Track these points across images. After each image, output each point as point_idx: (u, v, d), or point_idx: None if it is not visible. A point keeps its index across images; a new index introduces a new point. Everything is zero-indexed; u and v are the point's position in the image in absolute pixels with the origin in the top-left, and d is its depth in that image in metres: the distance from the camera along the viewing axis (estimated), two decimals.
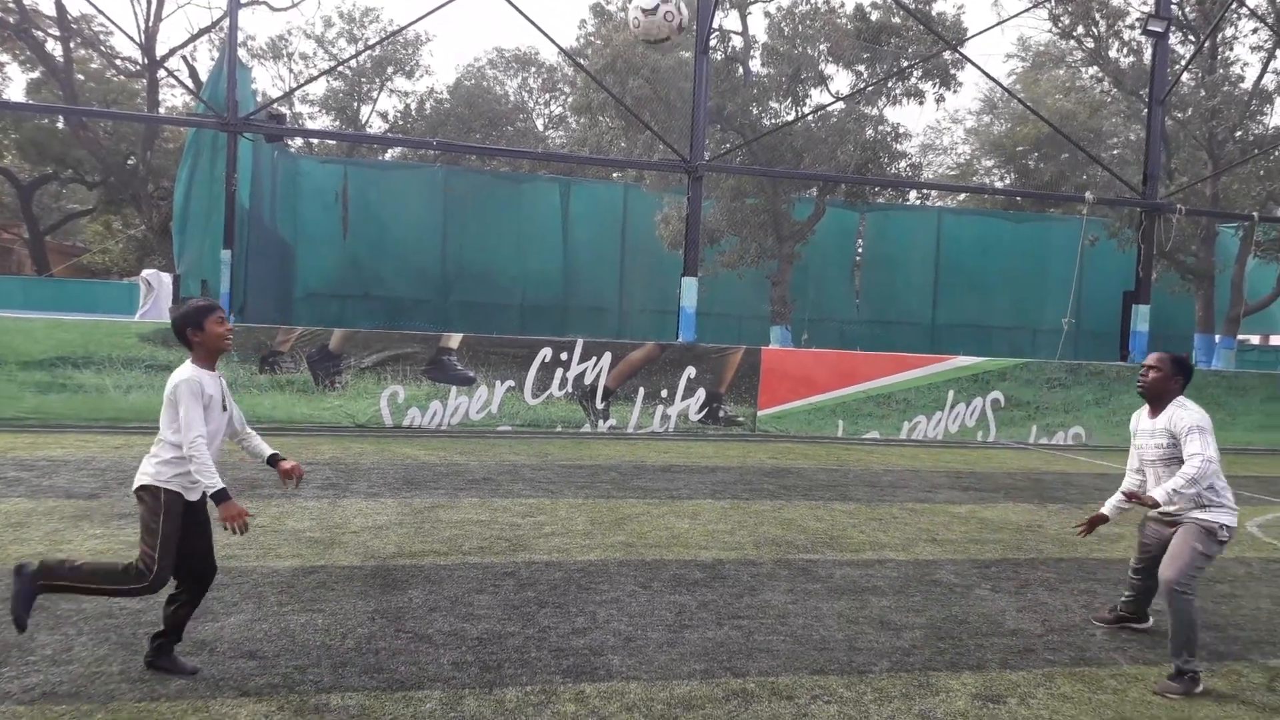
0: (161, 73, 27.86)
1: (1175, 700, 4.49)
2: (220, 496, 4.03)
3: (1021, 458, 13.69)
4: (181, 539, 4.13)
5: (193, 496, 4.17)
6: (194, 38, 28.95)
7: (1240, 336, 30.59)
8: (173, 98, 34.69)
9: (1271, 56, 22.39)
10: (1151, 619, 5.60)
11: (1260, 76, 22.74)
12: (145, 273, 17.60)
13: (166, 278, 16.70)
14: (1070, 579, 6.68)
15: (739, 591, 5.92)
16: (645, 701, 4.12)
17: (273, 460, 4.44)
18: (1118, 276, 22.37)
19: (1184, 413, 4.98)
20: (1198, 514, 4.88)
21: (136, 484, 4.16)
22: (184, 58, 28.95)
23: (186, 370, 4.15)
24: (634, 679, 4.38)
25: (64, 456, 9.74)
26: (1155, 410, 5.17)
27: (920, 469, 11.94)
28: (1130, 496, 5.15)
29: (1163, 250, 19.54)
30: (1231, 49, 23.69)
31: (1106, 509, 5.45)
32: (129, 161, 30.49)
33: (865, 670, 4.63)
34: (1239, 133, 22.27)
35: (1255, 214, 19.48)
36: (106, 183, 32.31)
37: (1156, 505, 4.92)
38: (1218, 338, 23.49)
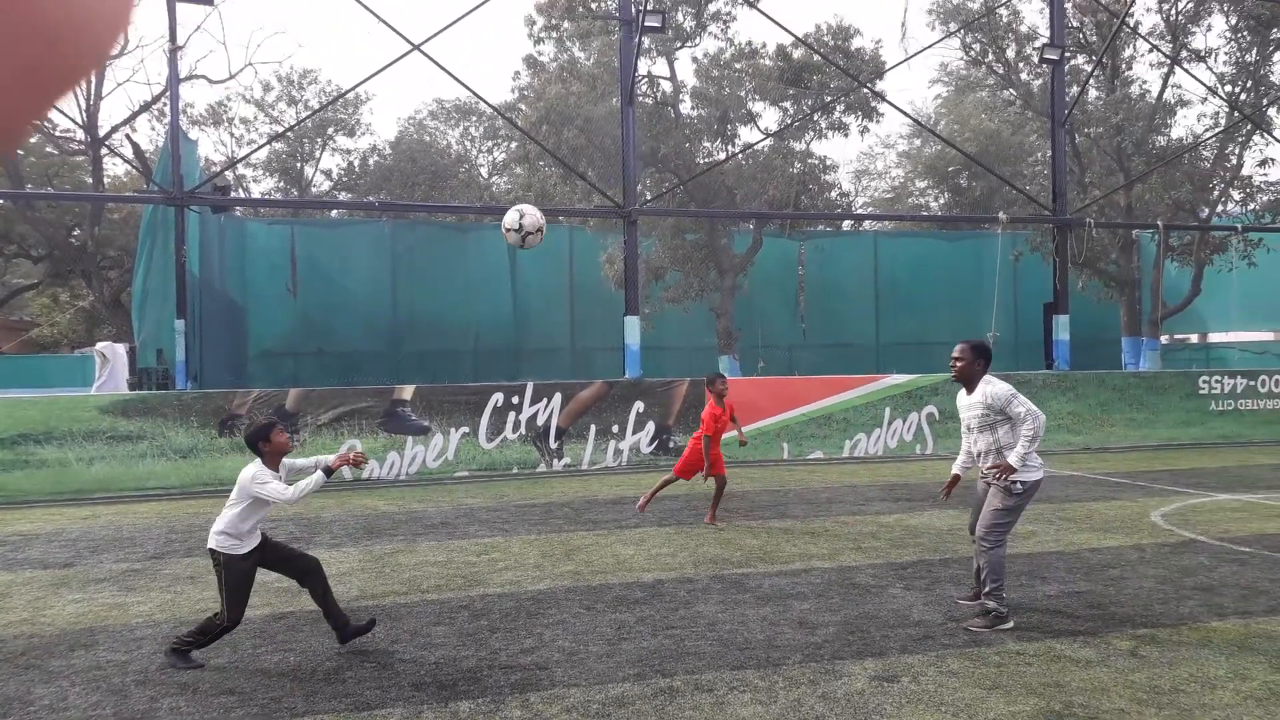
0: (105, 149, 28.17)
1: (978, 632, 5.73)
2: (328, 472, 5.58)
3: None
4: (273, 569, 5.68)
5: (245, 550, 5.45)
6: (135, 114, 29.32)
7: (1178, 336, 32.03)
8: (114, 167, 34.95)
9: (1170, 73, 23.79)
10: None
11: (1161, 92, 24.14)
12: (100, 345, 17.92)
13: (121, 349, 17.05)
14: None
15: (675, 606, 6.52)
16: (583, 704, 4.70)
17: (327, 470, 5.67)
18: (1049, 288, 23.49)
19: (994, 388, 6.04)
20: (1014, 461, 5.91)
21: (209, 545, 5.52)
22: (126, 135, 29.28)
23: (257, 467, 5.49)
24: (574, 686, 4.95)
25: (33, 530, 10.10)
26: (969, 389, 6.26)
27: (858, 484, 12.65)
28: (995, 469, 6.01)
29: (1079, 261, 20.60)
30: (1131, 68, 25.10)
31: (956, 468, 6.50)
32: (74, 234, 30.66)
33: (779, 663, 5.25)
34: (1146, 145, 23.58)
35: (1160, 222, 20.64)
36: (51, 256, 32.39)
37: (1013, 470, 5.87)
38: (1145, 339, 24.67)
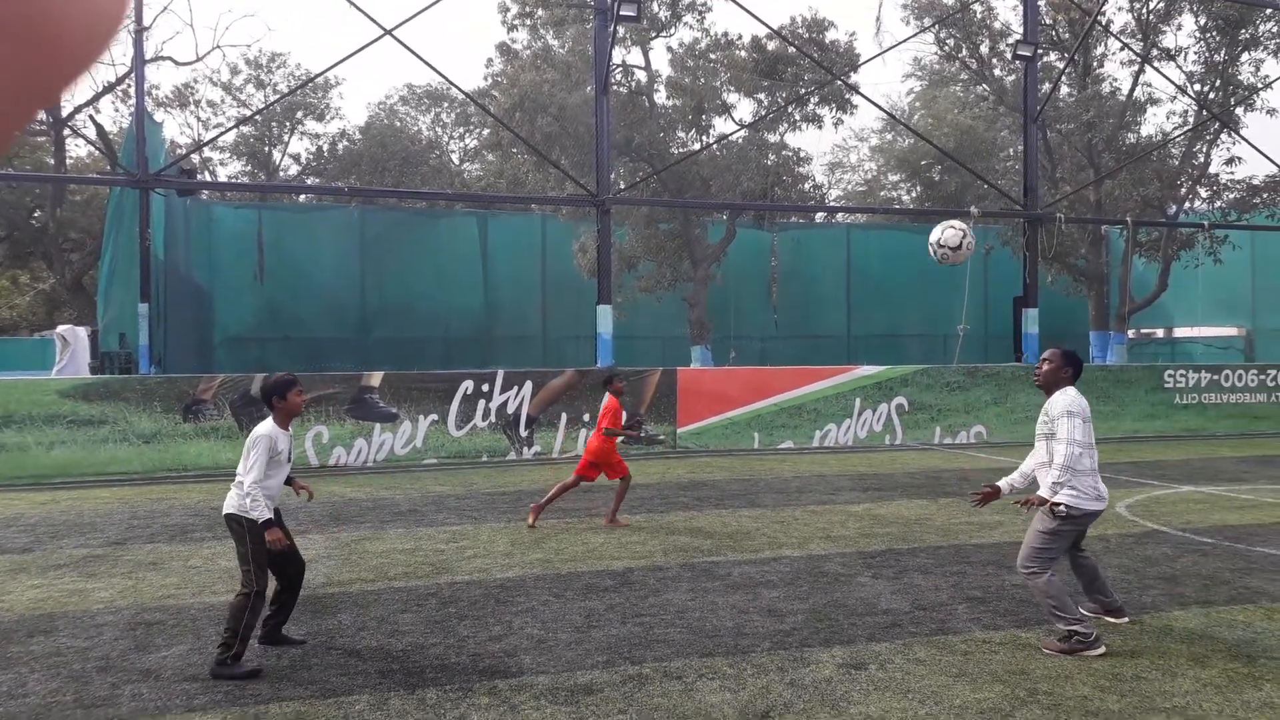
0: (67, 130, 27.64)
1: (1051, 654, 5.13)
2: (265, 525, 5.11)
3: (924, 458, 14.57)
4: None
5: (266, 516, 5.16)
6: (98, 95, 28.76)
7: (1144, 330, 32.47)
8: (77, 148, 34.33)
9: (1141, 71, 24.03)
10: (1128, 616, 5.80)
11: (1131, 90, 24.39)
12: (60, 328, 17.59)
13: (82, 332, 16.75)
14: (945, 563, 7.42)
15: (644, 593, 6.51)
16: (551, 690, 4.67)
17: (289, 481, 5.55)
18: (1019, 281, 23.71)
19: (1065, 398, 5.48)
20: (1044, 491, 5.37)
21: (225, 510, 5.25)
22: (90, 116, 28.74)
23: (267, 427, 5.29)
24: (543, 673, 4.93)
25: None
26: (1049, 396, 5.65)
27: (827, 474, 12.71)
28: (1026, 503, 5.45)
29: (1048, 255, 20.80)
30: (1102, 65, 25.33)
31: (1002, 482, 5.79)
32: (35, 215, 30.08)
33: (748, 651, 5.25)
34: (1116, 142, 23.83)
35: (1129, 218, 20.88)
36: (11, 237, 31.79)
37: (1042, 502, 5.33)
38: (1112, 334, 24.97)
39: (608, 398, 9.48)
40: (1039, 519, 5.39)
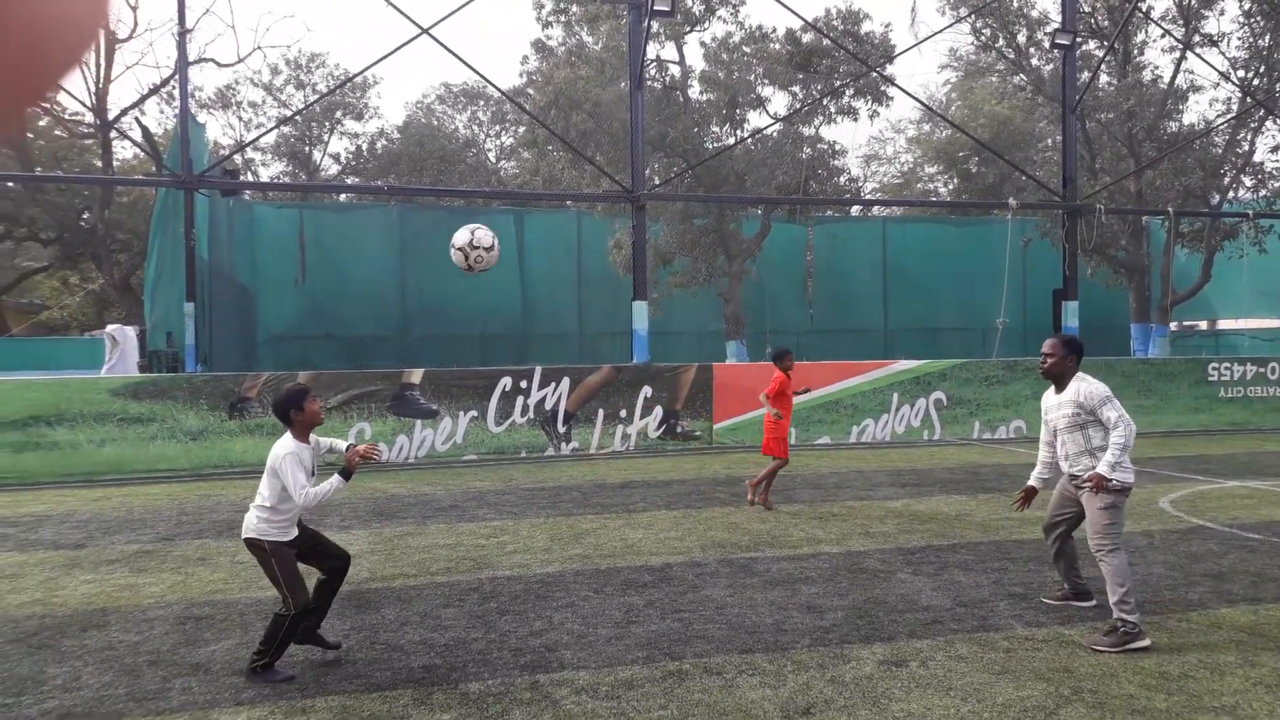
0: (114, 132, 28.19)
1: (1103, 653, 5.11)
2: (345, 475, 5.09)
3: (962, 453, 14.45)
4: (300, 560, 5.12)
5: (290, 537, 5.09)
6: (144, 98, 29.35)
7: (1187, 323, 31.90)
8: (123, 150, 34.99)
9: (1182, 58, 23.59)
10: (1095, 599, 6.00)
11: (1173, 77, 23.94)
12: (110, 328, 17.95)
13: (131, 332, 17.09)
14: (986, 559, 7.37)
15: (683, 589, 6.54)
16: (592, 685, 4.72)
17: (345, 473, 5.19)
18: (1058, 274, 23.41)
19: (1089, 386, 5.65)
20: (1103, 469, 5.46)
21: (246, 534, 5.10)
22: (135, 118, 29.28)
23: (290, 444, 5.14)
24: (583, 668, 4.98)
25: (45, 511, 10.16)
26: (1059, 388, 5.86)
27: (864, 469, 12.65)
28: (1089, 481, 5.51)
29: (1088, 247, 20.51)
30: (1143, 53, 24.89)
31: (1033, 480, 6.14)
32: (83, 217, 30.72)
33: (788, 647, 5.27)
34: (1157, 131, 23.41)
35: (1170, 209, 20.52)
36: (61, 239, 32.49)
37: (1106, 480, 5.43)
38: (1154, 326, 24.56)
39: (776, 374, 9.92)
40: (1099, 499, 5.50)
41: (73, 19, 0.56)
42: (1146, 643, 5.19)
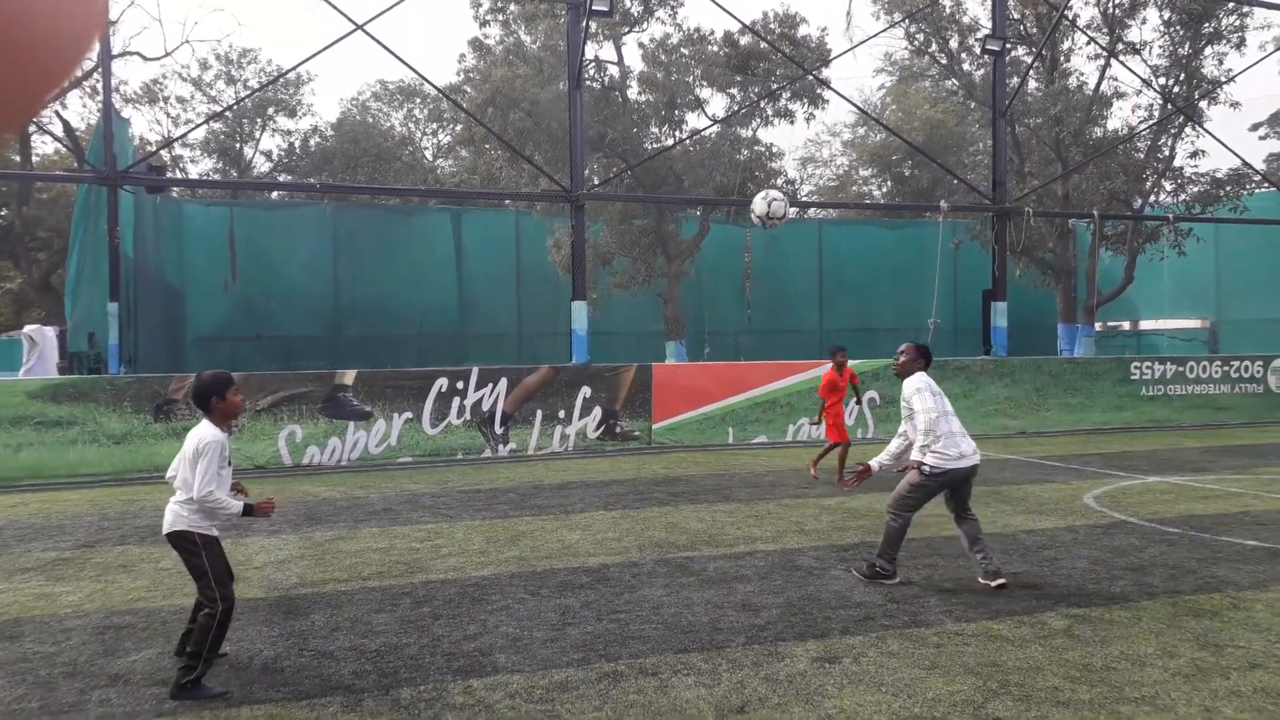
0: (32, 125, 27.18)
1: (857, 579, 6.59)
2: (246, 511, 4.87)
3: None
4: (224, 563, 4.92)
5: (217, 532, 4.91)
6: (65, 91, 28.35)
7: (1111, 323, 32.82)
8: (43, 145, 33.82)
9: (1107, 65, 24.28)
10: (1004, 579, 6.45)
11: (1098, 84, 24.64)
12: (27, 329, 17.33)
13: (50, 333, 16.52)
14: (917, 555, 7.48)
15: (620, 590, 6.52)
16: (526, 689, 4.68)
17: (248, 510, 4.92)
18: (988, 275, 23.92)
19: (911, 381, 6.66)
20: (914, 456, 6.53)
21: (169, 529, 4.83)
22: (56, 112, 28.30)
23: (212, 431, 4.84)
24: (518, 672, 4.93)
25: None
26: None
27: (800, 468, 12.76)
28: (906, 469, 6.65)
29: (1017, 249, 20.99)
30: (1069, 60, 25.58)
31: (871, 462, 6.88)
32: (1, 213, 29.62)
33: (723, 646, 5.28)
34: (1083, 136, 24.06)
35: (1095, 212, 21.11)
36: None
37: (918, 465, 6.44)
38: (1080, 326, 25.24)
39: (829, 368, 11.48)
40: (910, 476, 6.54)
41: (70, 28, 0.54)
42: (896, 580, 6.54)
